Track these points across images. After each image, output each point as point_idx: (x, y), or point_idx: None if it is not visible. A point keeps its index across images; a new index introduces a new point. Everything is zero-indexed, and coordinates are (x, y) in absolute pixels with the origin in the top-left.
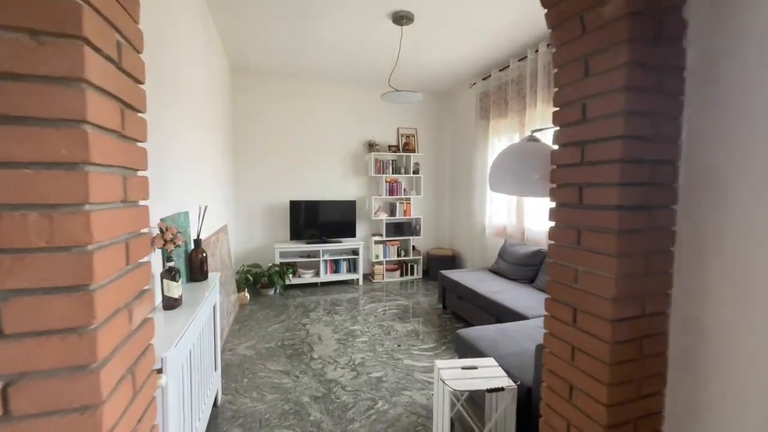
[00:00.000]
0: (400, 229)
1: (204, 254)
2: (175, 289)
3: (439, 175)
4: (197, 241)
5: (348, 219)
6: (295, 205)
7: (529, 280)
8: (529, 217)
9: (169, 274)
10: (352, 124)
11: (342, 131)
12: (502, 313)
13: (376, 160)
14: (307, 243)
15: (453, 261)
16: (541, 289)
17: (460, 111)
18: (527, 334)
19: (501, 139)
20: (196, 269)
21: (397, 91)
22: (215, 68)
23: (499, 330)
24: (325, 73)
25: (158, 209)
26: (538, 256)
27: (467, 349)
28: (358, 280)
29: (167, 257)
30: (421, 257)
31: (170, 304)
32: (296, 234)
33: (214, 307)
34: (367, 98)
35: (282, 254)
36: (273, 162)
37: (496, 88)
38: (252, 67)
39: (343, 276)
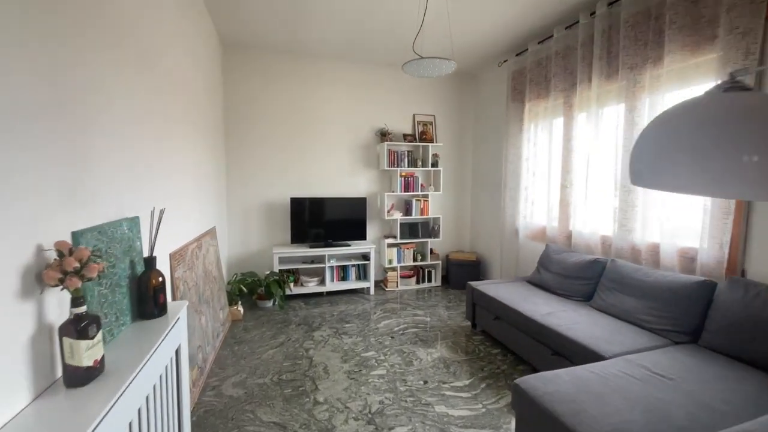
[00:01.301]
0: (417, 230)
1: (161, 279)
2: (87, 352)
3: (461, 169)
4: (149, 261)
5: (357, 219)
6: (296, 204)
7: (584, 297)
8: (576, 217)
9: (76, 327)
10: (362, 109)
11: (350, 118)
12: (561, 345)
13: (390, 151)
14: (311, 247)
15: (477, 267)
16: (604, 311)
17: (485, 94)
18: (621, 389)
19: (539, 125)
20: (148, 301)
21: (423, 58)
22: (197, 37)
23: (575, 379)
24: (330, 49)
25: (68, 217)
26: (596, 267)
27: (533, 411)
28: (369, 288)
29: (74, 299)
30: (440, 262)
31: (77, 377)
32: (298, 236)
33: (177, 352)
34: (379, 79)
35: (281, 260)
36: (271, 153)
37: (534, 63)
38: (246, 42)
39: (352, 284)
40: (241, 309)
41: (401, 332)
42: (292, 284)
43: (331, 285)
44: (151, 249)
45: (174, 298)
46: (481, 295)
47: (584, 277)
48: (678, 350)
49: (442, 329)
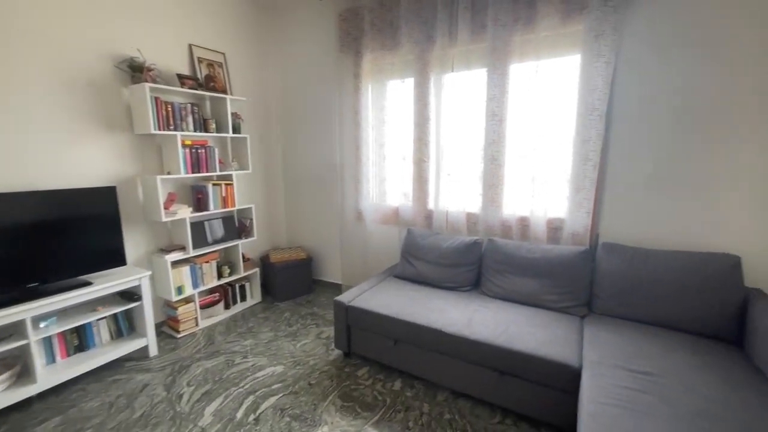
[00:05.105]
0: (219, 231)
1: None
2: None
3: (266, 135)
4: None
5: (100, 229)
6: None
7: (471, 285)
8: (438, 195)
9: None
10: (80, 11)
11: (54, 24)
12: (511, 364)
13: (158, 102)
14: None
15: (308, 267)
16: (507, 298)
17: (300, 36)
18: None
19: (386, 84)
20: None
21: None
22: None
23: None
24: None
25: None
26: (476, 249)
27: None
28: (146, 347)
29: None
30: (257, 270)
31: None
32: None
33: None
34: None
35: None
36: None
37: (375, 2)
38: None
39: (106, 354)
40: None
41: (254, 416)
42: None
43: (52, 374)
44: None
45: None
46: (365, 315)
47: (467, 262)
48: (603, 329)
49: (310, 379)
